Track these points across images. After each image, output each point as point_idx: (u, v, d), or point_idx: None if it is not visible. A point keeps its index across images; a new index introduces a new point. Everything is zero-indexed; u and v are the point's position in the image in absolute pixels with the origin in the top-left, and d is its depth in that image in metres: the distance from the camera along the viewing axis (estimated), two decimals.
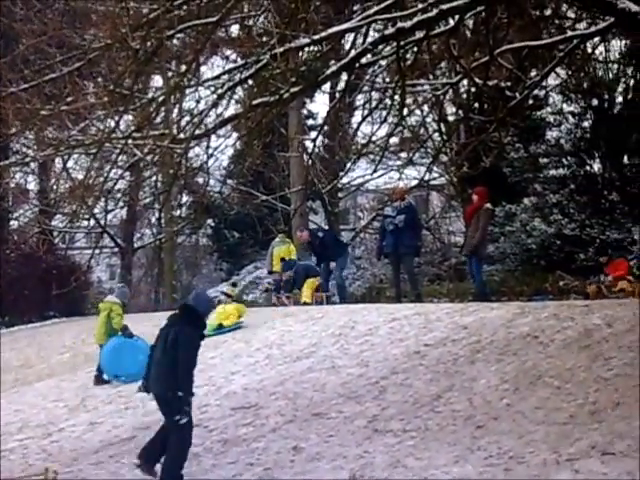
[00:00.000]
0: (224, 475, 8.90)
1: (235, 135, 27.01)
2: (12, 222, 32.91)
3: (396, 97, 12.83)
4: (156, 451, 9.11)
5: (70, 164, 28.00)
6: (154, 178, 31.82)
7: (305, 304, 19.47)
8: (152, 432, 10.92)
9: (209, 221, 32.45)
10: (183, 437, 8.97)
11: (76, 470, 9.88)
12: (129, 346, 14.76)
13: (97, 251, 32.43)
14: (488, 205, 17.16)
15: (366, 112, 26.59)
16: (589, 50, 21.01)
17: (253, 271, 27.03)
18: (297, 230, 22.25)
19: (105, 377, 14.76)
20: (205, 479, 8.89)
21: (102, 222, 30.06)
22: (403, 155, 25.77)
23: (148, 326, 19.41)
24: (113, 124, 10.40)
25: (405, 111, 15.40)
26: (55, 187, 31.36)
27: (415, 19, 9.61)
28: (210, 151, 13.70)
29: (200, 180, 30.40)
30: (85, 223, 32.45)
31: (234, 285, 15.75)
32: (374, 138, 21.70)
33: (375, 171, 23.36)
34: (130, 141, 10.15)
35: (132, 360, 14.03)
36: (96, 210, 27.77)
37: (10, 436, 12.18)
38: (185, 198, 32.52)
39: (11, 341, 22.78)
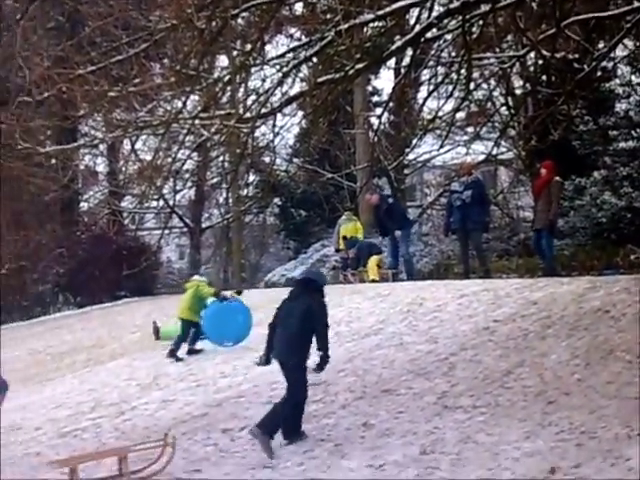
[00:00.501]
0: (295, 451, 8.94)
1: (300, 113, 27.09)
2: (82, 204, 33.40)
3: (462, 71, 12.68)
4: (275, 422, 9.39)
5: (138, 145, 28.19)
6: (221, 158, 32.02)
7: (373, 281, 19.47)
8: (223, 409, 11.09)
9: (276, 200, 32.56)
10: (297, 394, 9.49)
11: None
12: (226, 309, 14.96)
13: (166, 231, 32.76)
14: (557, 178, 16.97)
15: (432, 87, 26.13)
16: None
17: (320, 249, 27.04)
18: (367, 193, 22.16)
19: (180, 355, 14.94)
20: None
21: (171, 202, 30.36)
22: (470, 130, 25.50)
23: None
24: (180, 105, 10.47)
25: (472, 85, 15.25)
26: (124, 169, 31.67)
27: None
28: (276, 130, 13.69)
29: (266, 159, 30.53)
30: (154, 204, 32.83)
31: (239, 293, 15.80)
32: (440, 113, 21.37)
33: (442, 147, 23.13)
34: (197, 121, 10.21)
35: (233, 323, 14.52)
36: (165, 191, 28.11)
37: (83, 415, 12.37)
38: (252, 177, 32.62)
39: (83, 321, 23.16)
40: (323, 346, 9.59)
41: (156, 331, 16.89)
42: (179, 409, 11.64)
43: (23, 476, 9.45)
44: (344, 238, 21.22)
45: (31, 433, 11.76)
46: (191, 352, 15.06)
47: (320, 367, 9.61)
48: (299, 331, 9.58)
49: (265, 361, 10.03)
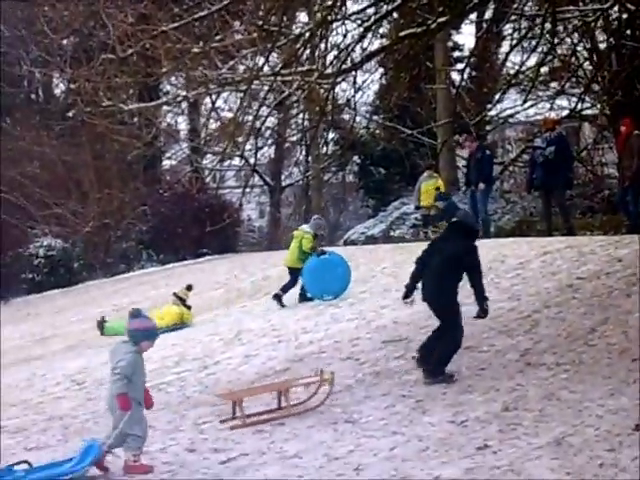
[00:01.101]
0: (377, 406, 8.98)
1: (381, 70, 26.92)
2: (164, 162, 33.77)
3: (546, 25, 12.48)
4: (430, 348, 9.75)
5: (219, 103, 28.39)
6: (301, 115, 32.01)
7: None
8: (305, 364, 11.17)
9: (355, 158, 32.45)
10: (455, 336, 9.69)
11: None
12: (325, 263, 15.08)
13: (247, 190, 32.91)
14: (637, 132, 16.65)
15: (515, 41, 25.91)
16: None
17: (400, 207, 26.92)
18: (465, 140, 21.94)
19: (283, 301, 15.21)
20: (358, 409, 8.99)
21: (251, 161, 30.45)
22: (554, 85, 25.07)
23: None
24: (262, 61, 10.47)
25: (555, 39, 14.97)
26: (205, 127, 31.90)
27: None
28: (356, 86, 13.62)
29: (346, 117, 30.43)
30: (235, 162, 33.03)
31: (189, 289, 15.77)
32: (523, 68, 21.14)
33: (525, 102, 22.88)
34: (278, 78, 10.20)
35: (332, 276, 14.69)
36: (245, 148, 28.19)
37: (167, 369, 12.55)
38: (331, 135, 32.56)
39: (166, 278, 23.47)
40: (480, 290, 9.74)
41: (100, 326, 16.19)
42: (262, 364, 11.75)
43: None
44: (437, 189, 21.02)
45: None
46: (303, 299, 15.42)
47: (484, 311, 9.78)
48: (447, 273, 9.75)
49: (406, 295, 10.23)
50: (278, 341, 12.85)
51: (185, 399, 10.67)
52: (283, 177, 34.34)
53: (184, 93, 14.00)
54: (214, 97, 25.92)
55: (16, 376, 13.92)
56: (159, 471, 7.75)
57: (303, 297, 15.53)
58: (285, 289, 15.49)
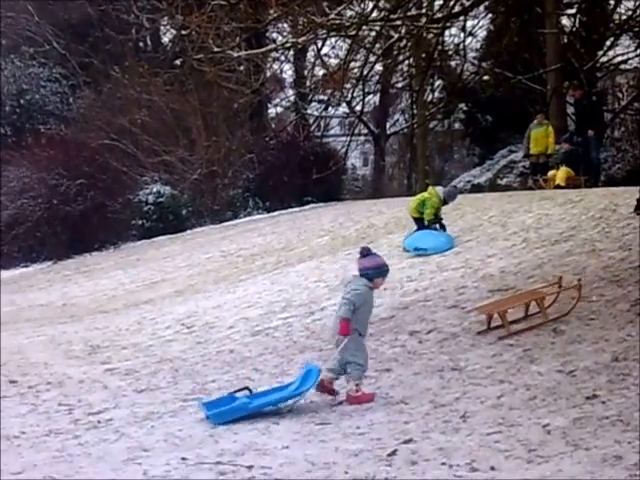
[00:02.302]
0: (483, 354, 8.94)
1: (490, 15, 26.46)
2: (270, 110, 33.89)
3: None
4: None
5: (325, 50, 28.31)
6: (406, 62, 31.69)
7: (557, 187, 19.06)
8: (410, 312, 11.17)
9: (462, 105, 32.03)
10: None
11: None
12: (428, 234, 15.05)
13: (350, 138, 32.86)
14: None
15: None
16: None
17: (507, 155, 26.56)
18: (571, 88, 21.59)
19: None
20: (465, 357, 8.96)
21: (357, 108, 30.34)
22: None
23: (402, 210, 19.68)
24: (370, 6, 10.37)
25: None
26: (310, 75, 31.91)
27: None
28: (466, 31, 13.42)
29: (452, 63, 30.04)
30: (339, 110, 32.99)
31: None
32: (637, 13, 20.55)
33: (637, 48, 22.21)
34: (387, 23, 10.09)
35: (433, 239, 14.69)
36: (349, 96, 28.07)
37: (274, 314, 12.70)
38: (438, 82, 32.19)
39: (272, 225, 23.68)
40: None
41: None
42: None
43: (217, 372, 9.81)
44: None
45: (225, 331, 12.17)
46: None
47: None
48: None
49: None
50: (383, 289, 12.79)
51: (292, 344, 10.79)
52: (388, 125, 34.16)
53: (293, 39, 13.96)
54: (320, 44, 25.86)
55: (126, 320, 14.27)
56: (266, 414, 7.85)
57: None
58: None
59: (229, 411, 7.66)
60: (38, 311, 17.36)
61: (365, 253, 8.35)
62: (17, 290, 21.63)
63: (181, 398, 8.70)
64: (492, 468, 5.97)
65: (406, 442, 6.69)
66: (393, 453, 6.45)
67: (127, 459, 6.80)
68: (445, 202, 15.40)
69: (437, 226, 15.27)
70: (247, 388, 8.16)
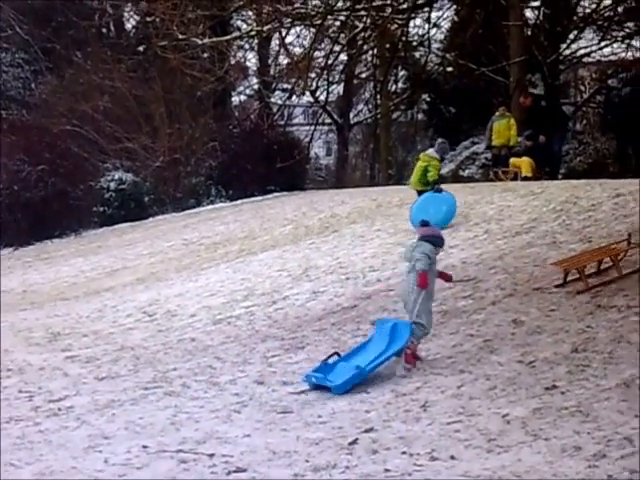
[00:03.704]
0: (444, 344, 9.00)
1: (454, 7, 26.53)
2: (234, 98, 33.77)
3: None
4: None
5: (290, 39, 28.22)
6: (370, 53, 31.70)
7: (525, 179, 19.20)
8: (373, 302, 11.22)
9: (425, 96, 32.10)
10: None
11: (300, 336, 10.23)
12: (435, 199, 15.17)
13: (313, 127, 32.88)
14: None
15: None
16: None
17: (470, 146, 26.67)
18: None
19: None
20: None
21: (321, 98, 30.35)
22: (630, 25, 24.51)
23: (365, 200, 19.76)
24: None
25: None
26: (274, 63, 31.84)
27: None
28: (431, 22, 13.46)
29: (417, 54, 30.09)
30: (303, 100, 32.94)
31: None
32: (600, 6, 20.73)
33: (600, 42, 22.39)
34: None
35: (435, 210, 14.70)
36: (314, 86, 28.05)
37: (237, 303, 12.70)
38: (402, 72, 32.22)
39: (235, 214, 23.63)
40: None
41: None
42: (329, 300, 11.83)
43: (178, 360, 9.81)
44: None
45: (186, 320, 12.15)
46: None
47: None
48: None
49: None
50: (346, 278, 12.91)
51: (254, 332, 10.80)
52: (351, 115, 34.15)
53: (257, 28, 13.95)
54: (284, 33, 25.79)
55: (87, 307, 14.19)
56: (228, 402, 7.86)
57: None
58: None
59: (350, 379, 7.93)
60: None
61: (426, 224, 9.19)
62: None
63: (142, 386, 8.69)
64: (452, 457, 6.03)
65: (367, 431, 6.74)
66: (354, 442, 6.49)
67: (88, 447, 6.80)
68: (442, 159, 15.98)
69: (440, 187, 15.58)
70: (336, 353, 8.44)
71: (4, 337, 12.11)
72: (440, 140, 16.55)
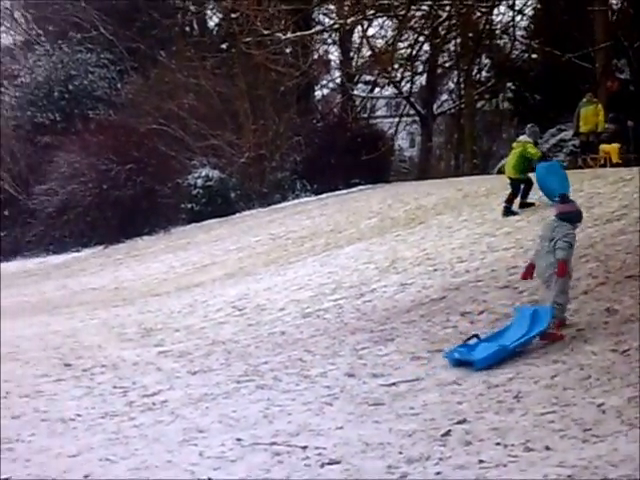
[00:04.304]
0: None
1: None
2: (316, 92, 33.85)
3: None
4: None
5: (371, 31, 28.18)
6: (453, 42, 31.45)
7: (615, 165, 18.87)
8: (461, 293, 11.14)
9: (509, 84, 31.73)
10: None
11: (389, 328, 10.21)
12: (551, 168, 15.12)
13: (398, 119, 32.76)
14: None
15: None
16: None
17: (556, 134, 26.27)
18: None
19: (513, 209, 15.54)
20: None
21: (404, 89, 30.22)
22: None
23: (451, 191, 19.64)
24: None
25: None
26: (357, 56, 31.79)
27: None
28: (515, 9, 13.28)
29: (500, 42, 29.77)
30: (386, 92, 32.85)
31: None
32: None
33: None
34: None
35: (555, 179, 14.64)
36: (398, 77, 27.98)
37: (324, 296, 12.73)
38: (485, 61, 31.88)
39: (320, 207, 23.70)
40: None
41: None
42: (417, 292, 11.77)
43: (269, 353, 9.87)
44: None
45: (276, 313, 12.22)
46: (523, 206, 15.73)
47: None
48: None
49: None
50: (434, 270, 12.84)
51: (343, 325, 10.81)
52: (435, 105, 33.94)
53: (341, 21, 13.93)
54: (366, 25, 25.74)
55: (178, 303, 14.38)
56: (319, 395, 7.89)
57: (524, 204, 15.80)
58: (509, 201, 15.75)
59: (493, 354, 8.15)
60: (91, 295, 17.56)
61: (565, 199, 9.24)
62: (69, 274, 21.89)
63: (234, 380, 8.77)
64: (547, 448, 5.96)
65: (460, 422, 6.70)
66: (447, 433, 6.46)
67: (182, 440, 6.88)
68: (536, 142, 16.12)
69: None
70: (476, 336, 8.61)
71: (98, 333, 12.36)
72: (530, 125, 16.58)
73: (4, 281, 22.30)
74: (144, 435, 7.14)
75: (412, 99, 31.83)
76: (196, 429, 7.15)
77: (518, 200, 15.81)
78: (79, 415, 7.90)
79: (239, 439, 6.73)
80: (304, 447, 6.42)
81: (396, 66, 14.04)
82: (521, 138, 16.26)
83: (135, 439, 7.04)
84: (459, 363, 8.24)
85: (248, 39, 13.60)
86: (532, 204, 15.64)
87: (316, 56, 30.23)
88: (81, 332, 12.63)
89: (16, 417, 7.96)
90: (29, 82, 32.74)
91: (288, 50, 26.83)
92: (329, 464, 6.07)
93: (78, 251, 26.98)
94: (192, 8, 31.89)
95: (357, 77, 32.35)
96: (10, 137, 31.36)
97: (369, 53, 28.33)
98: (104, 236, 27.00)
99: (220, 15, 33.39)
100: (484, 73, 32.88)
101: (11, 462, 6.60)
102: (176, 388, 8.68)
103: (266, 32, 11.52)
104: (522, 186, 15.82)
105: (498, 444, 6.13)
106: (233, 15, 13.69)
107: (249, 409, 7.62)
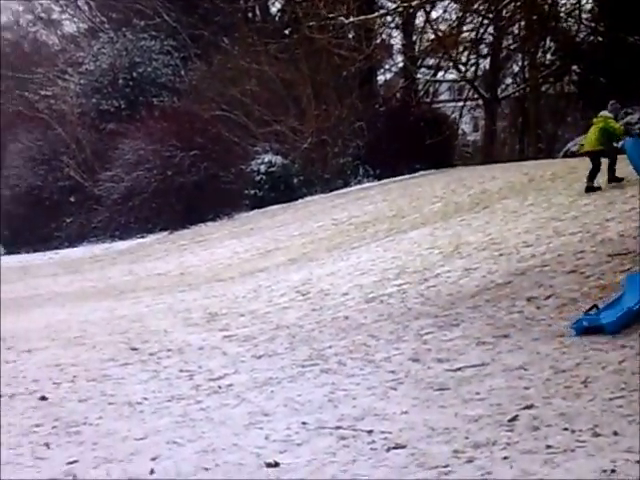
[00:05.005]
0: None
1: None
2: (379, 77, 33.75)
3: None
4: None
5: (434, 15, 27.98)
6: (517, 25, 31.10)
7: None
8: (527, 278, 11.03)
9: (575, 67, 31.30)
10: None
11: (454, 313, 10.14)
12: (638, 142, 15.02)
13: (460, 103, 32.56)
14: None
15: None
16: None
17: (623, 117, 25.83)
18: None
19: (595, 185, 15.54)
20: None
21: (467, 73, 29.99)
22: None
23: (516, 175, 19.47)
24: None
25: None
26: (419, 40, 31.60)
27: None
28: None
29: (565, 24, 29.34)
30: (449, 76, 32.64)
31: None
32: None
33: None
34: None
35: None
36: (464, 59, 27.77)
37: (388, 281, 12.70)
38: (550, 44, 31.47)
39: (383, 193, 23.64)
40: None
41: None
42: (482, 277, 11.68)
43: (333, 338, 9.87)
44: None
45: (339, 298, 12.22)
46: (612, 180, 15.79)
47: None
48: None
49: None
50: (499, 254, 12.73)
51: (407, 310, 10.77)
52: (499, 89, 33.62)
53: (404, 4, 13.83)
54: (428, 8, 25.61)
55: (243, 288, 14.46)
56: (384, 379, 7.86)
57: (613, 178, 15.83)
58: (591, 177, 15.80)
59: (622, 316, 8.38)
60: (156, 280, 17.73)
61: None
62: (135, 260, 22.12)
63: (299, 364, 8.78)
64: (615, 433, 5.87)
65: (527, 407, 6.63)
66: (514, 418, 6.40)
67: (248, 423, 6.91)
68: (616, 118, 16.43)
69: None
70: (595, 306, 8.75)
71: (164, 318, 12.48)
72: (612, 101, 16.61)
73: (70, 266, 22.64)
74: (210, 418, 7.18)
75: (476, 83, 31.58)
76: (261, 412, 7.18)
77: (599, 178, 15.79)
78: (146, 398, 7.97)
79: (304, 423, 6.74)
80: (369, 431, 6.40)
81: (460, 49, 13.92)
82: (602, 113, 16.32)
83: (201, 422, 7.09)
84: (587, 331, 8.36)
85: (312, 23, 13.57)
86: (622, 179, 15.59)
87: (379, 40, 30.10)
88: (147, 317, 12.75)
89: (83, 400, 8.05)
90: (93, 69, 33.09)
91: (350, 35, 26.78)
92: (395, 448, 6.04)
93: (143, 237, 27.26)
94: None
95: (420, 61, 32.16)
96: (75, 124, 31.76)
97: (432, 37, 28.20)
98: (169, 222, 27.24)
99: (282, 1, 33.41)
100: (549, 56, 32.48)
101: (78, 445, 6.68)
102: (241, 372, 8.71)
103: (331, 16, 11.48)
104: (601, 160, 15.84)
105: (566, 429, 6.05)
106: None
107: (314, 393, 7.62)
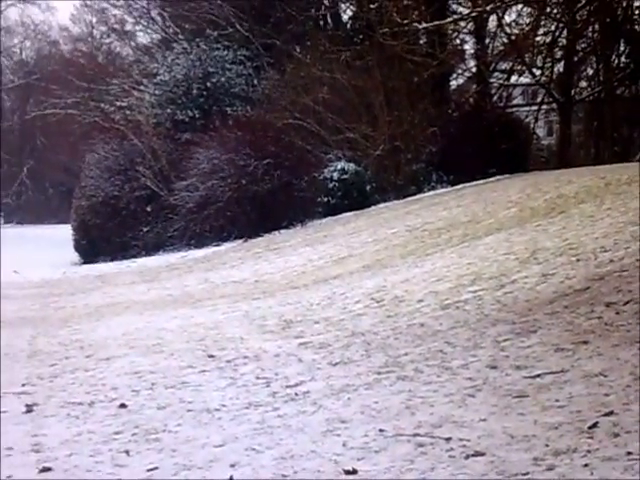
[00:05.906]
0: None
1: None
2: (451, 82, 33.64)
3: None
4: None
5: (507, 19, 27.81)
6: (591, 28, 30.75)
7: None
8: (606, 283, 10.88)
9: None
10: None
11: (531, 320, 10.04)
12: None
13: (534, 107, 32.28)
14: None
15: None
16: None
17: None
18: None
19: None
20: None
21: (540, 77, 29.73)
22: None
23: (593, 179, 19.25)
24: None
25: None
26: (492, 44, 31.40)
27: None
28: None
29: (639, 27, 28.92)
30: (522, 80, 32.39)
31: None
32: None
33: None
34: None
35: None
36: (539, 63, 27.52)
37: (463, 288, 12.61)
38: (624, 46, 31.06)
39: (457, 198, 23.52)
40: None
41: None
42: (560, 283, 11.56)
43: (409, 345, 9.85)
44: None
45: (414, 305, 12.17)
46: None
47: None
48: None
49: None
50: (576, 260, 12.58)
51: (483, 317, 10.69)
52: (573, 93, 33.25)
53: (479, 9, 13.77)
54: (501, 13, 25.46)
55: (317, 295, 14.49)
56: (461, 386, 7.82)
57: None
58: None
59: None
60: (232, 287, 17.85)
61: None
62: (210, 268, 22.30)
63: (375, 371, 8.78)
64: None
65: (607, 414, 6.55)
66: (594, 425, 6.33)
67: (326, 430, 6.93)
68: None
69: None
70: None
71: (240, 325, 12.56)
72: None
73: (147, 275, 22.92)
74: (288, 425, 7.21)
75: (550, 86, 31.28)
76: (339, 419, 7.19)
77: None
78: (224, 405, 8.03)
79: (382, 430, 6.74)
80: (448, 438, 6.38)
81: (534, 53, 13.83)
82: None
83: (279, 429, 7.12)
84: None
85: (384, 30, 13.57)
86: None
87: (452, 45, 30.01)
88: (223, 324, 12.85)
89: (162, 408, 8.14)
90: (168, 80, 33.47)
91: (422, 41, 26.73)
92: (474, 456, 6.02)
93: (218, 245, 27.46)
94: (326, 2, 32.05)
95: (493, 65, 31.95)
96: (151, 135, 32.14)
97: (505, 41, 28.03)
98: (243, 230, 27.42)
99: (354, 8, 33.46)
100: (623, 59, 32.04)
101: (158, 452, 6.75)
102: (317, 379, 8.74)
103: (405, 22, 11.48)
104: None
105: None
106: (372, 6, 13.69)
107: (390, 400, 7.61)
